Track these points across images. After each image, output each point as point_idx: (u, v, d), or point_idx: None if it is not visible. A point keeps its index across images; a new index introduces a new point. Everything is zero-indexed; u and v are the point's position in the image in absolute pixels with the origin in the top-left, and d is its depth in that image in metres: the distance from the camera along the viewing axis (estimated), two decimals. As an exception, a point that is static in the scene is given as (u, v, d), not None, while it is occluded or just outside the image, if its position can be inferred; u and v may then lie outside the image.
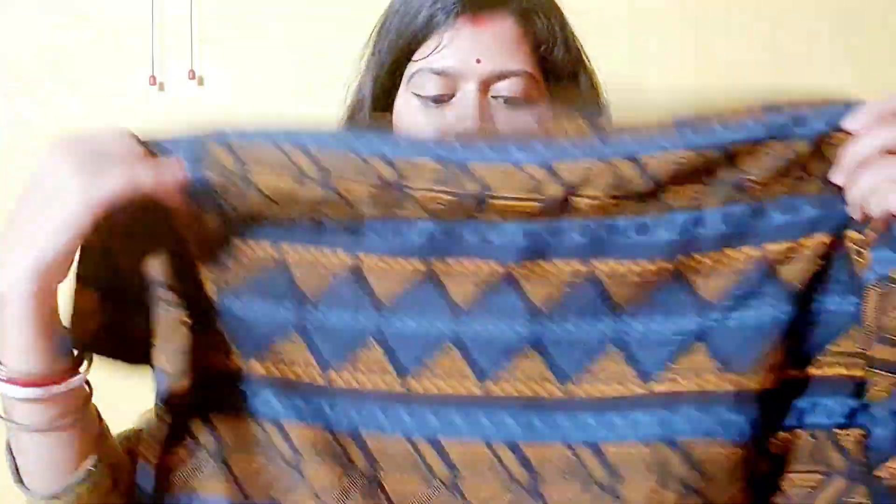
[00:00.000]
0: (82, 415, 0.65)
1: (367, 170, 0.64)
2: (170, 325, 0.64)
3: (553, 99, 0.82)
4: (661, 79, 1.25)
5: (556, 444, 0.65)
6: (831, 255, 0.64)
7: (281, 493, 0.66)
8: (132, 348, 0.66)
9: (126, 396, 0.69)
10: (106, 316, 0.66)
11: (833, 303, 0.64)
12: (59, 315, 0.63)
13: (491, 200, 0.64)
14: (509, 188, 0.64)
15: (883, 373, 0.61)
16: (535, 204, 0.63)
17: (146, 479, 0.65)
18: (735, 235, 0.64)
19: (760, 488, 0.65)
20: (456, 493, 0.65)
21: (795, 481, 0.65)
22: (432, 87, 0.80)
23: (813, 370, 0.65)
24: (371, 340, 0.66)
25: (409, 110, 0.82)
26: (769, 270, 0.64)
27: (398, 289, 0.66)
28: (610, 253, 0.64)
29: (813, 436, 0.65)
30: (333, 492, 0.64)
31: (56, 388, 0.62)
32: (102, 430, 0.68)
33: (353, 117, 0.89)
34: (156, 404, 0.65)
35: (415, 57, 0.82)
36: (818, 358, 0.65)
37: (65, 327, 0.64)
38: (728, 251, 0.64)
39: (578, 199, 0.63)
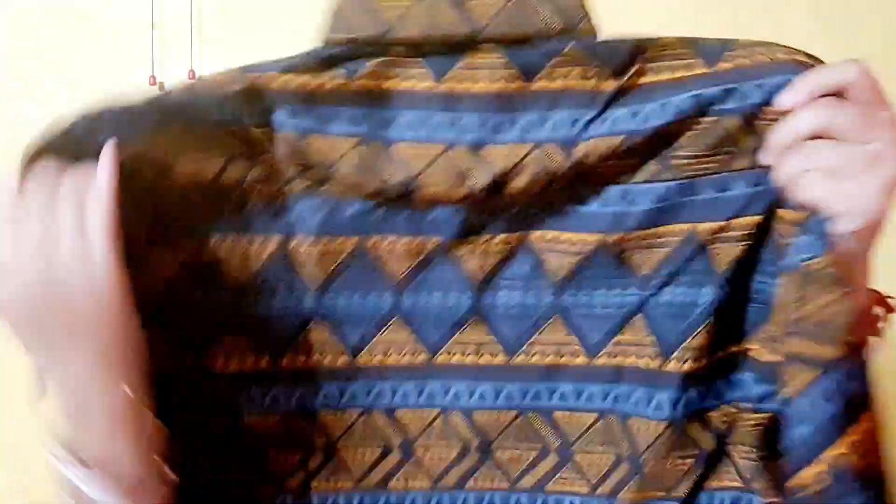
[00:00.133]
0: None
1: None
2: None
3: None
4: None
5: (509, 412, 0.66)
6: (763, 236, 0.61)
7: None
8: None
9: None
10: None
11: (764, 284, 0.62)
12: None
13: (419, 191, 0.62)
14: (435, 177, 0.62)
15: (797, 367, 0.58)
16: (465, 192, 0.62)
17: None
18: (666, 212, 0.62)
19: (707, 463, 0.64)
20: (412, 458, 0.66)
21: (736, 457, 0.64)
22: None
23: (744, 350, 0.63)
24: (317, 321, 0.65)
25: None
26: (699, 249, 0.62)
27: (333, 266, 0.64)
28: (547, 226, 0.64)
29: (742, 413, 0.64)
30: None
31: None
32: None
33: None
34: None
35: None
36: (750, 339, 0.63)
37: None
38: (659, 229, 0.63)
39: (509, 185, 0.62)
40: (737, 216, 0.61)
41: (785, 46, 0.60)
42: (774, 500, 0.61)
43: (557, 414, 0.66)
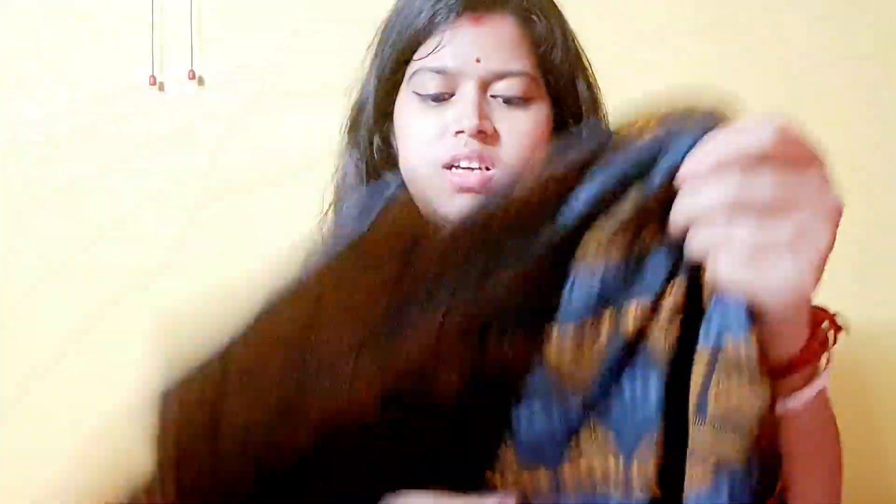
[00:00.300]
0: None
1: None
2: None
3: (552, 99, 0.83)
4: (659, 76, 1.25)
5: None
6: (689, 309, 0.55)
7: None
8: None
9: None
10: None
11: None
12: None
13: None
14: None
15: (697, 458, 0.52)
16: None
17: None
18: (606, 298, 0.56)
19: None
20: None
21: None
22: (432, 85, 0.81)
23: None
24: None
25: (408, 109, 0.83)
26: (632, 339, 0.56)
27: None
28: None
29: None
30: None
31: None
32: None
33: (356, 117, 0.89)
34: None
35: (416, 56, 0.82)
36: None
37: None
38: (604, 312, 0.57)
39: None
40: (663, 293, 0.55)
41: (702, 106, 0.54)
42: None
43: None
